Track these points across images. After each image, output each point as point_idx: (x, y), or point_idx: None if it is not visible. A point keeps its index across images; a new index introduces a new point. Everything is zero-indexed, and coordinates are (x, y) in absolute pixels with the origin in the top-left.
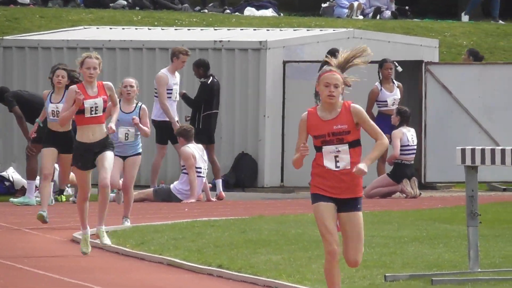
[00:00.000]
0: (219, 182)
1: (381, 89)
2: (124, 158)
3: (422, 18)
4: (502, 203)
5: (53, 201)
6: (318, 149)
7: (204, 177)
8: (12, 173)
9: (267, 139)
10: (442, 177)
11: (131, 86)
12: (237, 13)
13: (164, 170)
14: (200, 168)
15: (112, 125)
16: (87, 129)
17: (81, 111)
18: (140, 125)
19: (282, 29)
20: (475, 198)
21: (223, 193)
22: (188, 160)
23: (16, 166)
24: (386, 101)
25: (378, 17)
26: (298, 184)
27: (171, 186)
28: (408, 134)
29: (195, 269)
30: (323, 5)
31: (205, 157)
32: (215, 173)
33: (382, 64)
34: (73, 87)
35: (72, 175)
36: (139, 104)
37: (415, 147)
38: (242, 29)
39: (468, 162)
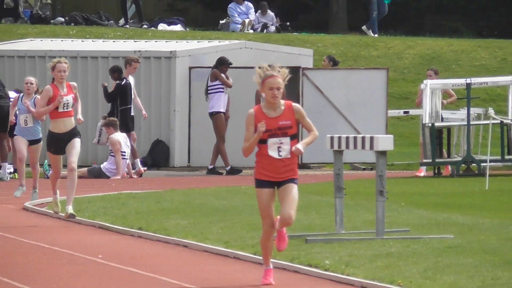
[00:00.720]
0: (137, 161)
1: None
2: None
3: (300, 32)
4: (362, 180)
5: (9, 178)
6: (263, 141)
7: (127, 159)
8: None
9: (177, 128)
10: (315, 158)
11: (31, 84)
12: (152, 28)
13: (96, 153)
14: (124, 152)
15: (80, 116)
16: (60, 122)
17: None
18: (31, 108)
19: (188, 41)
20: (341, 175)
21: (141, 169)
22: (115, 145)
23: None
24: None
25: (265, 31)
26: (202, 164)
27: (102, 166)
28: None
29: (120, 231)
30: (221, 21)
31: (128, 143)
32: (133, 154)
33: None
34: (48, 87)
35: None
36: (35, 95)
37: None
38: (156, 41)
39: (336, 147)
